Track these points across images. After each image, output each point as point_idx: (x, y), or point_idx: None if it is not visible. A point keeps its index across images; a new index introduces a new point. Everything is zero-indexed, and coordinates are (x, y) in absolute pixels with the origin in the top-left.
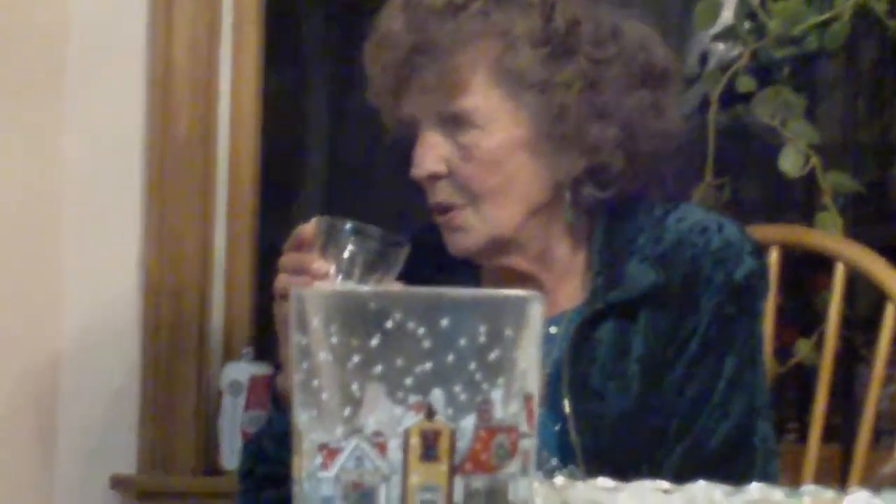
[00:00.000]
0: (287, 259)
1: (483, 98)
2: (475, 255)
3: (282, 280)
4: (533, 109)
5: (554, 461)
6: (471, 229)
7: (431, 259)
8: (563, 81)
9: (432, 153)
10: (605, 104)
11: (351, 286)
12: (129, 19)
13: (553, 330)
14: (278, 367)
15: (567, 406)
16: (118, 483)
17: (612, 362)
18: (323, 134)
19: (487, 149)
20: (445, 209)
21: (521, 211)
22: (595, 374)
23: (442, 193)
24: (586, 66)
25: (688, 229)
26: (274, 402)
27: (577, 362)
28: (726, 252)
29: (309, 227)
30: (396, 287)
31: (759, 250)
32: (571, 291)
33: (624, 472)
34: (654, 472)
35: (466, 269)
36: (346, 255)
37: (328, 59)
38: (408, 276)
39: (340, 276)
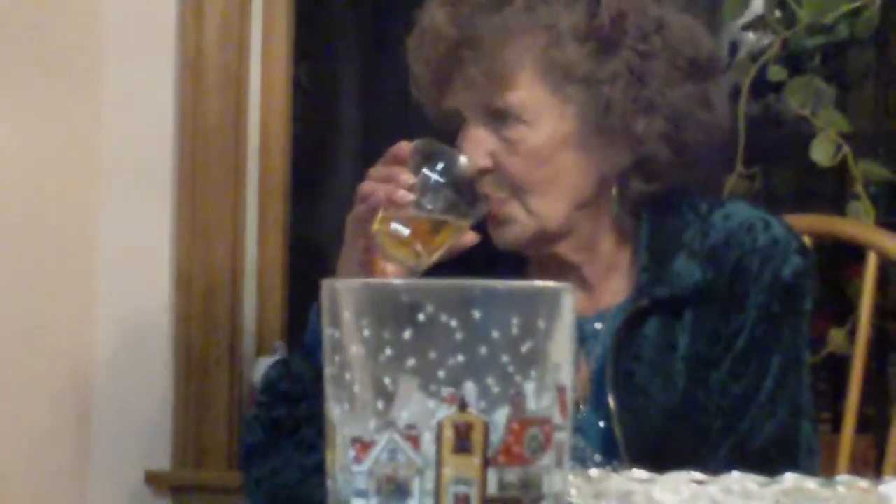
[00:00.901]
0: (378, 168)
1: (529, 93)
2: (521, 247)
3: (367, 185)
4: (579, 104)
5: (598, 457)
6: (516, 222)
7: (477, 248)
8: (609, 75)
9: (479, 149)
10: (652, 97)
11: (423, 216)
12: (160, 6)
13: (598, 325)
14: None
15: (611, 402)
16: (152, 478)
17: (658, 359)
18: (354, 121)
19: (534, 144)
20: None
21: (568, 205)
22: (640, 371)
23: (487, 186)
24: (632, 59)
25: (735, 226)
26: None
27: (622, 358)
28: (773, 250)
29: (407, 146)
30: (469, 236)
31: (806, 249)
32: (616, 287)
33: (668, 468)
34: (699, 469)
35: (512, 260)
36: (431, 182)
37: (359, 44)
38: (452, 265)
39: (419, 200)
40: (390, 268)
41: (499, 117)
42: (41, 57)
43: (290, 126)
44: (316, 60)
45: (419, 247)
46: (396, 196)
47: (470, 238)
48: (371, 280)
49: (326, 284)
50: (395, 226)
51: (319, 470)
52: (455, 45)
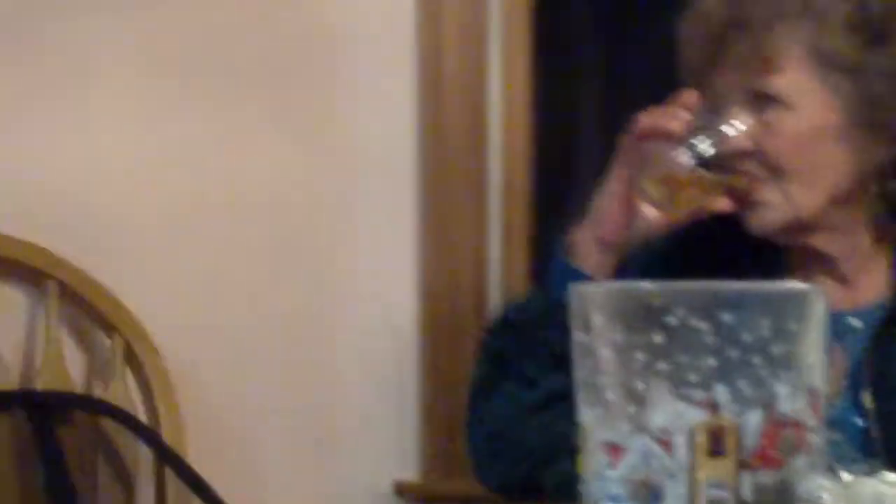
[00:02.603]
0: (661, 109)
1: (794, 78)
2: (775, 233)
3: (646, 115)
4: (844, 95)
5: (857, 456)
6: (772, 206)
7: (733, 243)
8: (878, 69)
9: (741, 130)
10: None
11: (684, 166)
12: (398, 28)
13: (855, 323)
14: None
15: (868, 401)
16: (401, 488)
17: None
18: (596, 136)
19: (795, 129)
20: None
21: (824, 196)
22: None
23: (745, 166)
24: None
25: None
26: (568, 249)
27: (880, 358)
28: None
29: (695, 95)
30: (721, 202)
31: None
32: (874, 285)
33: None
34: None
35: (771, 251)
36: (702, 137)
37: (600, 60)
38: (710, 260)
39: (686, 146)
40: (650, 211)
41: (762, 100)
42: (284, 87)
43: (533, 142)
44: (554, 72)
45: (671, 191)
46: (670, 124)
47: (721, 204)
48: (620, 284)
49: (575, 289)
50: (659, 159)
51: (535, 409)
52: (725, 26)
